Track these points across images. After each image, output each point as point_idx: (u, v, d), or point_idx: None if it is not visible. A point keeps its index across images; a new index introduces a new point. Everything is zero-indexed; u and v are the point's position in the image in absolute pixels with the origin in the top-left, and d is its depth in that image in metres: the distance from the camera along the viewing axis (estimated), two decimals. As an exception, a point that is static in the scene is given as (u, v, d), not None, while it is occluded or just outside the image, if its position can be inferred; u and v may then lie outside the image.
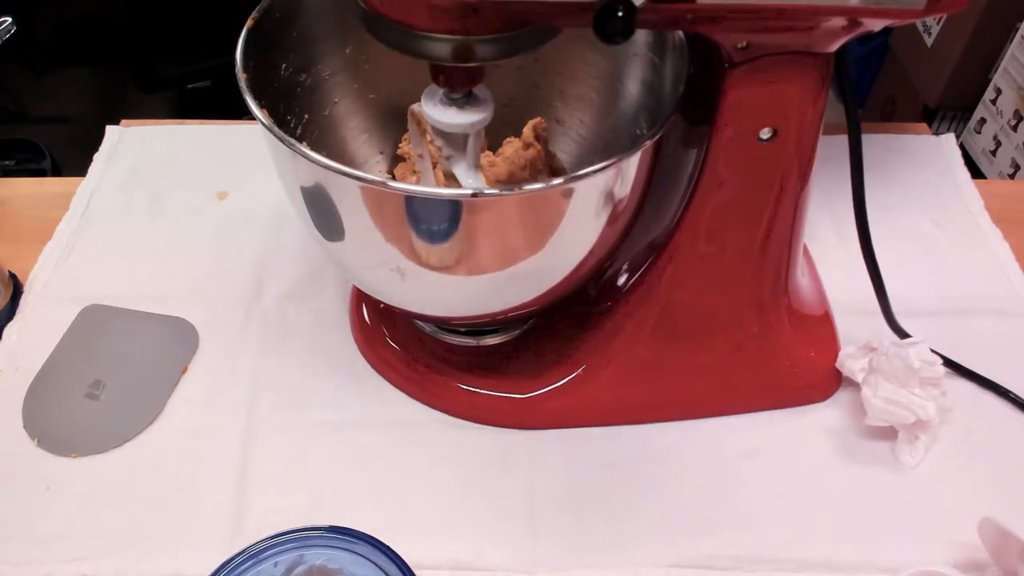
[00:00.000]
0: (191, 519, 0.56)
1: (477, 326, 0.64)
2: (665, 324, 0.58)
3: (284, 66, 0.55)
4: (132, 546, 0.55)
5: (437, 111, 0.50)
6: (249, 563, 0.46)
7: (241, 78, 0.49)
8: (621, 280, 0.60)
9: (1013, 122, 1.47)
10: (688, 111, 0.50)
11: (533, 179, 0.60)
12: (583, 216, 0.48)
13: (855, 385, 0.60)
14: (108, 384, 0.63)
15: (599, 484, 0.58)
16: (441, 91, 0.50)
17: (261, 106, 0.48)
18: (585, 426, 0.61)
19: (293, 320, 0.68)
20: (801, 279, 0.63)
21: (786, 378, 0.62)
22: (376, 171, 0.66)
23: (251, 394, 0.63)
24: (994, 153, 1.51)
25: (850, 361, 0.60)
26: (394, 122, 0.63)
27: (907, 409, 0.57)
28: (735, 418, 0.62)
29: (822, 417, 0.62)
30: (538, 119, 0.60)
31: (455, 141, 0.52)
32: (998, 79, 1.51)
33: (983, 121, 1.54)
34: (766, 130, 0.48)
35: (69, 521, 0.56)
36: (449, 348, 0.64)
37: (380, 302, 0.64)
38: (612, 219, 0.50)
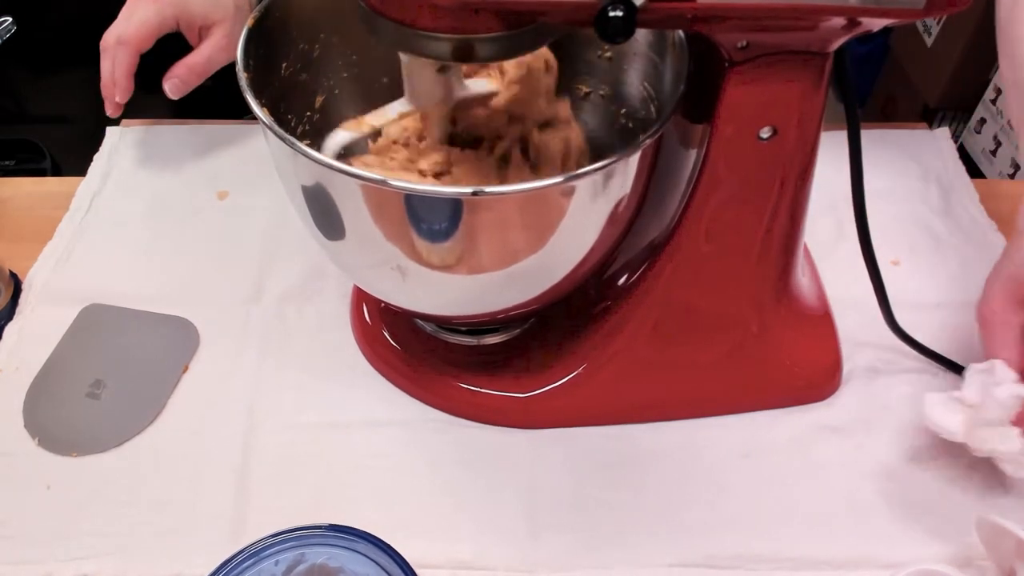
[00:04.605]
0: (191, 519, 0.56)
1: (478, 325, 0.64)
2: (665, 324, 0.58)
3: (284, 65, 0.55)
4: (132, 546, 0.55)
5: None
6: (250, 561, 0.46)
7: (242, 77, 0.49)
8: (621, 280, 0.60)
9: (1013, 122, 1.47)
10: (688, 110, 0.50)
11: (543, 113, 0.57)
12: (583, 215, 0.48)
13: (855, 384, 0.60)
14: (108, 383, 0.63)
15: (599, 484, 0.58)
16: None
17: (262, 105, 0.48)
18: (585, 426, 0.61)
19: (293, 320, 0.68)
20: (801, 279, 0.63)
21: (786, 378, 0.62)
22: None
23: (251, 394, 0.63)
24: (994, 153, 1.51)
25: (942, 417, 0.55)
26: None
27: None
28: (735, 417, 0.62)
29: (822, 417, 0.62)
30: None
31: None
32: (998, 79, 1.51)
33: (983, 121, 1.54)
34: (766, 129, 0.48)
35: (69, 521, 0.56)
36: (449, 347, 0.64)
37: (381, 301, 0.64)
38: (612, 218, 0.50)
